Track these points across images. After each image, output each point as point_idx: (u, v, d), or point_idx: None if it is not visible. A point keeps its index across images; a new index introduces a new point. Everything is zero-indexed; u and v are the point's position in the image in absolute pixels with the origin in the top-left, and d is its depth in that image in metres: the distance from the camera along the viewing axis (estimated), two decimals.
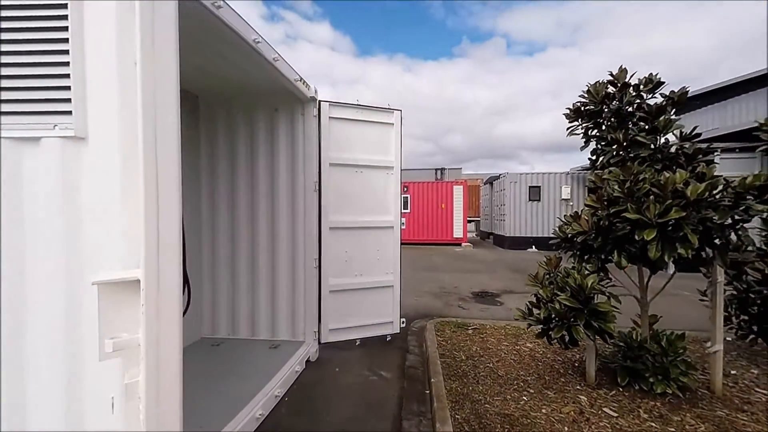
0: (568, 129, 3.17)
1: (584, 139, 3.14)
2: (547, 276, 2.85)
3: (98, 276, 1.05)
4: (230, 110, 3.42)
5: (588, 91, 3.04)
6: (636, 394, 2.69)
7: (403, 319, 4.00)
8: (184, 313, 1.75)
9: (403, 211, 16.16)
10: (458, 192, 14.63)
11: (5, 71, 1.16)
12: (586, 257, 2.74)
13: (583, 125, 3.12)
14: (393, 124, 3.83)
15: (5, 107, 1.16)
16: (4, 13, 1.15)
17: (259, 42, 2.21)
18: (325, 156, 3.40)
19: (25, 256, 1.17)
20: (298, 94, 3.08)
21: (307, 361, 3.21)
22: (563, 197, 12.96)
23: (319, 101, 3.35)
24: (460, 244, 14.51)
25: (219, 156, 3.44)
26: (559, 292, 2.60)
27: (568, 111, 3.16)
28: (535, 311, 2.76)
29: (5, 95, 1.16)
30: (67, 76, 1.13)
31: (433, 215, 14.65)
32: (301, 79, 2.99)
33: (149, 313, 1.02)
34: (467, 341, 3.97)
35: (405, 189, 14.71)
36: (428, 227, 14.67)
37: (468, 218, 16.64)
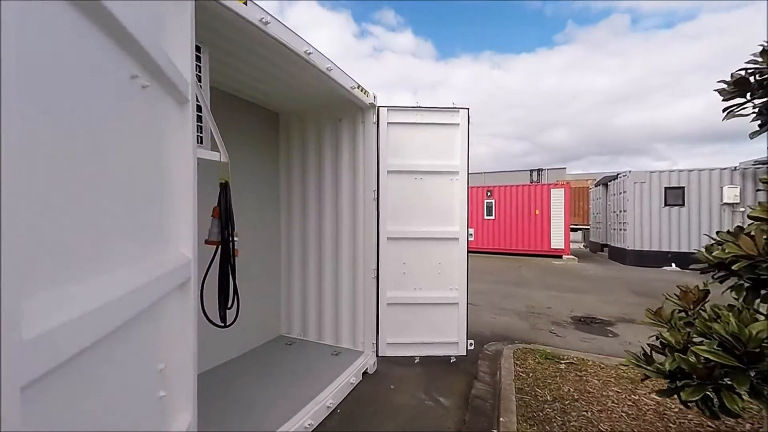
0: (727, 110, 2.21)
1: (759, 121, 2.12)
2: (681, 314, 2.04)
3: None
4: (303, 125, 3.66)
5: (765, 52, 2.04)
6: None
7: (471, 341, 3.54)
8: (232, 323, 1.86)
9: (486, 218, 14.82)
10: (557, 196, 12.65)
11: None
12: (762, 292, 1.83)
13: (759, 102, 2.11)
14: (458, 124, 3.46)
15: None
16: None
17: (311, 53, 2.26)
18: (384, 163, 3.29)
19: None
20: (357, 101, 3.07)
21: (365, 372, 3.13)
22: (727, 201, 9.56)
23: (378, 107, 3.28)
24: (560, 257, 12.48)
25: (293, 168, 3.72)
26: (699, 338, 1.81)
27: (724, 85, 2.20)
28: (659, 358, 1.99)
29: None
30: None
31: (525, 222, 13.03)
32: (359, 86, 2.96)
33: None
34: (557, 378, 3.25)
35: (488, 194, 13.53)
36: (518, 236, 13.11)
37: (572, 226, 14.25)
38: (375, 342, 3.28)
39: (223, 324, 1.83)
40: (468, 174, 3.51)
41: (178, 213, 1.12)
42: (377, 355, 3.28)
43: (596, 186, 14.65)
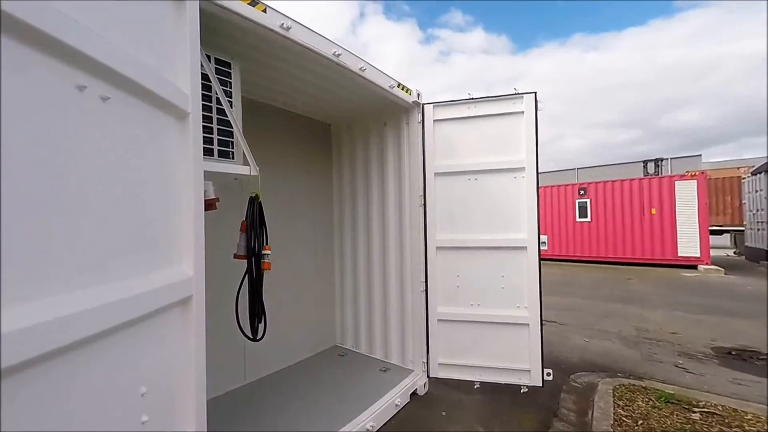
0: None
1: None
2: None
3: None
4: (351, 133, 3.62)
5: None
6: None
7: (549, 371, 2.88)
8: (261, 337, 1.86)
9: (578, 220, 12.74)
10: (686, 190, 9.86)
11: None
12: None
13: None
14: (522, 112, 2.90)
15: None
16: None
17: (339, 54, 2.16)
18: (431, 165, 2.98)
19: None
20: (398, 101, 2.86)
21: (414, 393, 2.84)
22: None
23: (422, 105, 2.99)
24: (695, 267, 9.65)
25: (344, 178, 3.71)
26: None
27: None
28: None
29: None
30: None
31: (635, 224, 10.51)
32: (399, 84, 2.75)
33: None
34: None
35: (581, 192, 11.39)
36: (625, 241, 10.64)
37: (714, 228, 10.93)
38: (425, 361, 2.96)
39: (252, 338, 1.84)
40: (537, 170, 2.90)
41: (177, 228, 1.10)
42: (428, 376, 2.95)
43: (754, 174, 10.78)
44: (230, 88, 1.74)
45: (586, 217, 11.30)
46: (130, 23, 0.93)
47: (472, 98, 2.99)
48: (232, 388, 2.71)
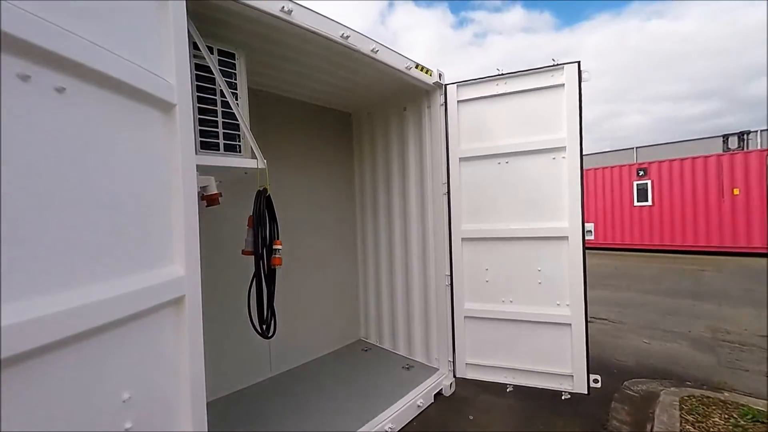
0: None
1: None
2: None
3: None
4: (372, 121, 3.45)
5: None
6: None
7: (597, 377, 2.52)
8: (272, 335, 1.82)
9: (637, 203, 11.37)
10: None
11: None
12: None
13: None
14: (563, 85, 2.49)
15: None
16: None
17: (348, 36, 1.99)
18: (455, 150, 2.70)
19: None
20: (418, 83, 2.61)
21: (439, 393, 2.66)
22: None
23: (445, 85, 2.71)
24: None
25: (365, 168, 3.56)
26: None
27: None
28: None
29: None
30: None
31: (711, 207, 8.98)
32: (418, 65, 2.50)
33: None
34: None
35: (640, 173, 9.97)
36: (697, 226, 9.15)
37: None
38: (451, 360, 2.75)
39: (262, 335, 1.79)
40: (582, 149, 2.49)
41: (166, 225, 1.04)
42: (454, 376, 2.75)
43: None
44: (235, 79, 1.66)
45: (646, 200, 9.91)
46: (100, 12, 0.86)
47: (502, 74, 2.64)
48: (258, 380, 2.75)
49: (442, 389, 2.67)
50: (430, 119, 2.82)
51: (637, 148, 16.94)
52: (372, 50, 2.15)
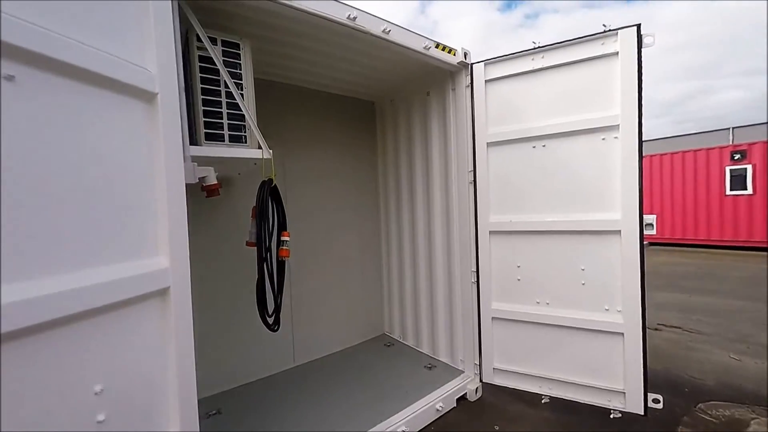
0: None
1: None
2: None
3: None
4: (394, 108, 3.27)
5: None
6: None
7: (658, 397, 2.09)
8: (276, 328, 1.80)
9: (730, 192, 9.52)
10: None
11: None
12: None
13: None
14: (616, 54, 2.08)
15: None
16: None
17: (355, 17, 1.86)
18: (482, 134, 2.42)
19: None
20: (441, 64, 2.39)
21: (463, 398, 2.46)
22: None
23: (471, 65, 2.44)
24: None
25: (388, 158, 3.41)
26: None
27: None
28: None
29: None
30: None
31: None
32: (438, 44, 2.28)
33: None
34: None
35: (736, 157, 8.13)
36: None
37: None
38: (477, 363, 2.52)
39: (269, 328, 1.79)
40: (641, 128, 2.06)
41: (148, 217, 1.00)
42: (481, 380, 2.51)
43: None
44: (240, 69, 1.63)
45: (743, 188, 8.11)
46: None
47: (539, 47, 2.29)
48: (281, 370, 2.78)
49: (466, 393, 2.46)
50: (455, 103, 2.57)
51: (733, 128, 13.96)
52: (384, 31, 2.00)
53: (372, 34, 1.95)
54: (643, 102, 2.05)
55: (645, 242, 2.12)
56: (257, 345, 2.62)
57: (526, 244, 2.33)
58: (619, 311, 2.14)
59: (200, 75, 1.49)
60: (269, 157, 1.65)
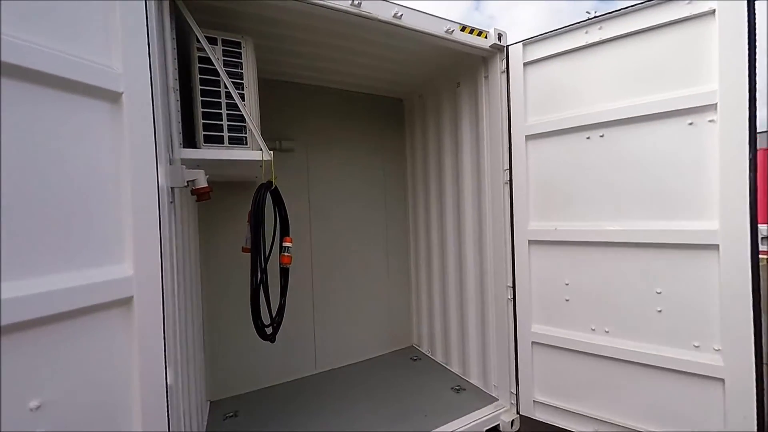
0: None
1: None
2: None
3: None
4: (423, 104, 2.97)
5: None
6: None
7: None
8: (271, 338, 1.69)
9: None
10: None
11: None
12: None
13: None
14: (713, 12, 1.54)
15: None
16: None
17: (359, 3, 1.66)
18: (519, 126, 2.01)
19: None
20: (471, 50, 2.06)
21: (495, 429, 2.08)
22: None
23: (507, 47, 2.06)
24: None
25: (417, 158, 3.12)
26: None
27: None
28: None
29: None
30: None
31: None
32: (464, 27, 1.95)
33: None
34: None
35: None
36: None
37: None
38: (514, 393, 2.11)
39: (264, 338, 1.66)
40: (753, 108, 1.49)
41: (110, 223, 0.93)
42: (518, 412, 2.09)
43: None
44: (241, 69, 1.55)
45: None
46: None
47: (594, 17, 1.84)
48: (302, 376, 2.68)
49: (499, 425, 2.05)
50: (488, 92, 2.21)
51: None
52: (395, 15, 1.76)
53: (380, 20, 1.73)
54: (756, 75, 1.47)
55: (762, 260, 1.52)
56: (279, 349, 2.56)
57: (577, 258, 1.86)
58: (717, 350, 1.57)
59: (200, 76, 1.46)
60: (269, 158, 1.57)
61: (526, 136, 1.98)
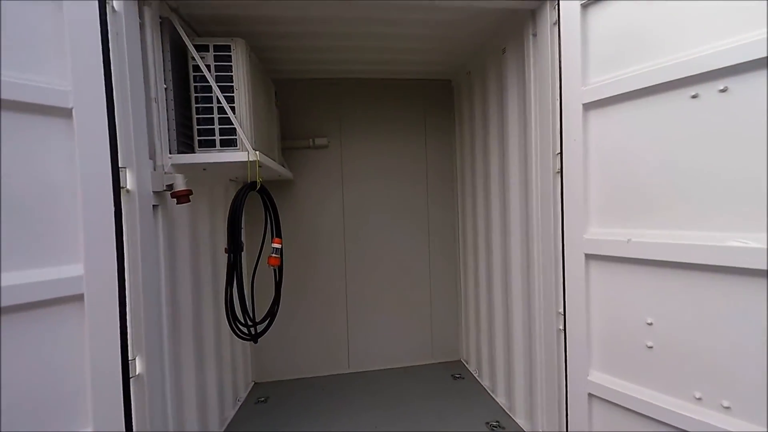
0: None
1: None
2: None
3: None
4: (470, 81, 2.51)
5: None
6: None
7: None
8: (252, 338, 1.69)
9: None
10: None
11: None
12: None
13: None
14: None
15: None
16: None
17: None
18: (574, 92, 1.41)
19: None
20: (513, 5, 1.59)
21: None
22: None
23: None
24: None
25: (464, 147, 2.67)
26: None
27: None
28: None
29: None
30: None
31: None
32: None
33: None
34: None
35: None
36: None
37: None
38: None
39: (242, 337, 1.65)
40: None
41: (58, 227, 1.00)
42: None
43: None
44: (231, 72, 1.57)
45: None
46: None
47: None
48: (334, 372, 2.69)
49: None
50: (536, 53, 1.65)
51: None
52: None
53: None
54: None
55: None
56: (316, 343, 2.69)
57: (668, 286, 1.20)
58: None
59: (194, 84, 1.57)
60: (255, 159, 1.55)
61: (583, 104, 1.39)
